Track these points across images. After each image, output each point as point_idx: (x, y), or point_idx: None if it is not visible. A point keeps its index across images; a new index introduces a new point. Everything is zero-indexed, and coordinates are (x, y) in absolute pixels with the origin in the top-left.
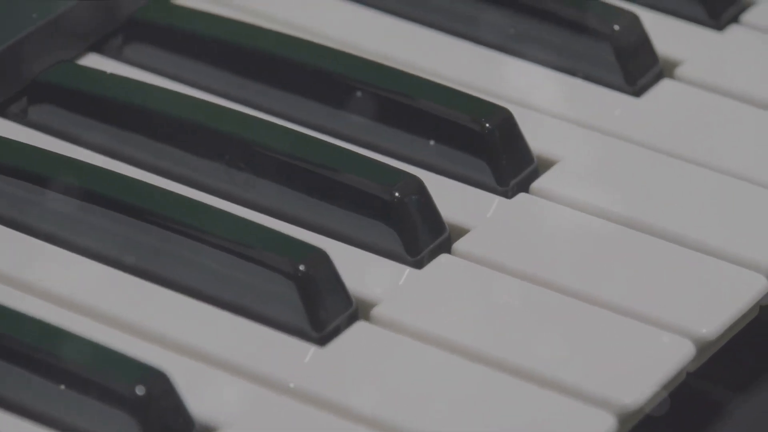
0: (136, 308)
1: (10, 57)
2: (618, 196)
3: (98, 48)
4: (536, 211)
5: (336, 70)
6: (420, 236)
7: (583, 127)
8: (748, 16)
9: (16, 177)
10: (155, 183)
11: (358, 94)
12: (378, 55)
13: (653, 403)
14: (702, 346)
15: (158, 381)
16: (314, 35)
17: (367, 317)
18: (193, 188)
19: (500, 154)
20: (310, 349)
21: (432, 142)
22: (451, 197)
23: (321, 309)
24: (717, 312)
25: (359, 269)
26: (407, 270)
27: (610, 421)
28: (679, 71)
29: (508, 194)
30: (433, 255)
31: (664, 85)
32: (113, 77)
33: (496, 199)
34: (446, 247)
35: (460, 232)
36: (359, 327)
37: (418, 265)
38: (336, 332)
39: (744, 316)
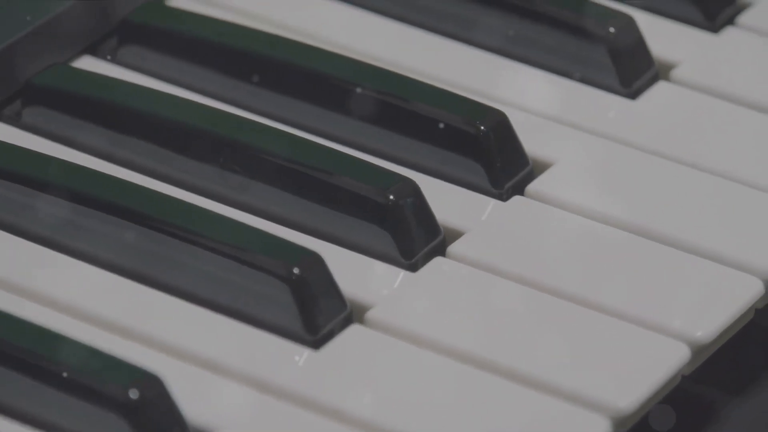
0: (130, 311)
1: (4, 59)
2: (613, 198)
3: (92, 50)
4: (531, 214)
5: (330, 72)
6: (415, 239)
7: (578, 129)
8: (743, 18)
9: (10, 180)
10: (150, 186)
11: (353, 96)
12: (373, 58)
13: (648, 407)
14: (697, 350)
15: (152, 384)
16: (309, 37)
17: (361, 320)
18: (187, 191)
19: (495, 157)
20: (305, 353)
21: (427, 145)
22: (446, 200)
23: (315, 312)
24: (712, 315)
25: (354, 272)
26: (402, 273)
27: (604, 425)
28: (675, 73)
29: (503, 197)
30: (428, 258)
31: (660, 88)
32: (108, 79)
33: (491, 202)
34: (441, 250)
35: (455, 235)
36: (354, 330)
37: (413, 268)
38: (330, 335)
39: (739, 320)
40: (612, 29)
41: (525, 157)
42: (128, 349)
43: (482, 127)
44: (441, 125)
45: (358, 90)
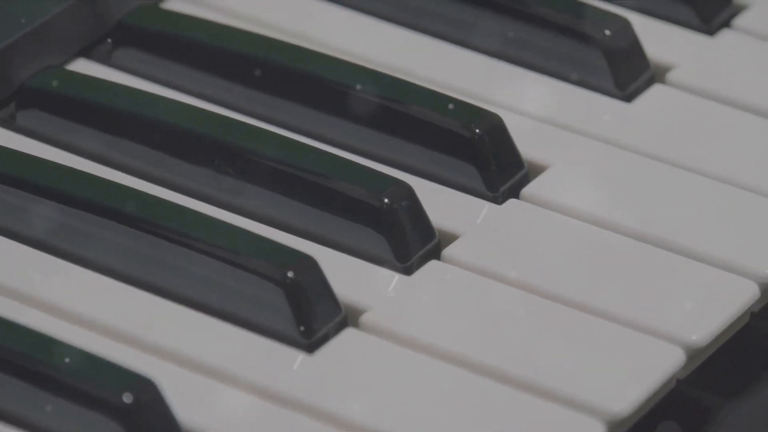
0: (124, 315)
1: None
2: (609, 202)
3: (87, 53)
4: (527, 217)
5: (325, 75)
6: (409, 242)
7: (573, 132)
8: (739, 21)
9: (4, 183)
10: (143, 188)
11: (348, 99)
12: (368, 60)
13: (643, 411)
14: (692, 353)
15: (146, 389)
16: (304, 40)
17: (356, 324)
18: (181, 194)
19: (490, 160)
20: (299, 357)
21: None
22: (441, 203)
23: (310, 316)
24: (707, 319)
25: (348, 276)
26: (396, 276)
27: (599, 429)
28: (671, 76)
29: (498, 200)
30: (423, 261)
31: (656, 90)
32: (103, 82)
33: (486, 205)
34: (436, 254)
35: (450, 238)
36: (348, 334)
37: (408, 271)
38: (325, 339)
39: (735, 323)
40: (607, 31)
41: (520, 160)
42: (122, 353)
43: (477, 130)
44: (436, 128)
45: (353, 93)
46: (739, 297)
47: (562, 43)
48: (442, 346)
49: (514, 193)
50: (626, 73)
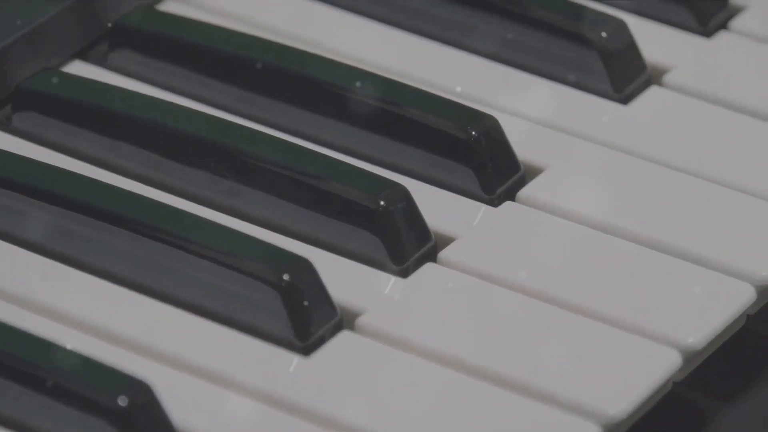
0: (119, 318)
1: None
2: (605, 204)
3: (83, 55)
4: (523, 220)
5: (321, 77)
6: (405, 245)
7: (570, 134)
8: (736, 23)
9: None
10: (139, 191)
11: (344, 101)
12: (366, 63)
13: (639, 413)
14: (688, 356)
15: (141, 391)
16: (301, 42)
17: (351, 327)
18: (177, 196)
19: (486, 162)
20: (295, 359)
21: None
22: (437, 206)
23: (306, 318)
24: (704, 322)
25: (344, 278)
26: (392, 279)
27: None
28: (668, 78)
29: (495, 202)
30: (419, 264)
31: (652, 93)
32: (99, 84)
33: (483, 208)
34: (432, 256)
35: (446, 240)
36: (344, 337)
37: (404, 274)
38: (321, 342)
39: (731, 326)
40: (604, 33)
41: (516, 162)
42: (117, 355)
43: (473, 132)
44: (432, 130)
45: (349, 95)
46: (736, 299)
47: (558, 45)
48: (438, 348)
49: (511, 195)
50: (623, 75)
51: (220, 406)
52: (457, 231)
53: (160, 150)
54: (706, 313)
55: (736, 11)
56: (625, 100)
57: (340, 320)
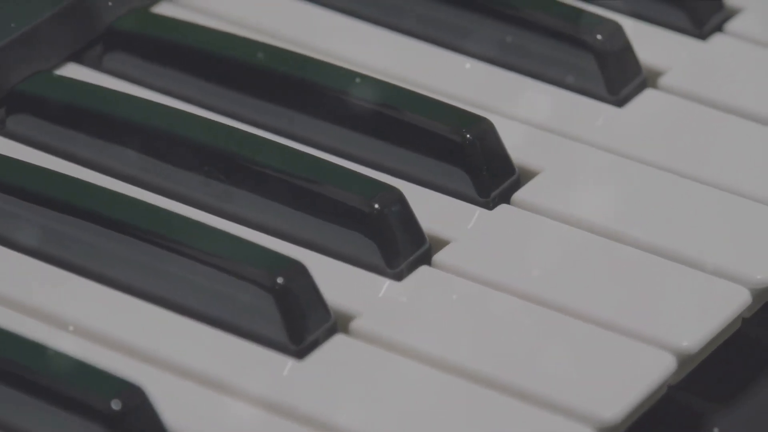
0: (112, 321)
1: None
2: (600, 207)
3: (78, 58)
4: (518, 223)
5: (316, 80)
6: (400, 248)
7: (565, 137)
8: (732, 25)
9: None
10: (133, 194)
11: (339, 104)
12: (361, 66)
13: (633, 417)
14: (683, 360)
15: (134, 395)
16: (296, 45)
17: (345, 330)
18: (171, 199)
19: (481, 165)
20: (289, 363)
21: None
22: (432, 208)
23: (299, 322)
24: (698, 325)
25: (338, 281)
26: (387, 282)
27: None
28: (663, 81)
29: (489, 205)
30: (413, 267)
31: (648, 95)
32: (93, 87)
33: (477, 211)
34: (426, 259)
35: (441, 243)
36: (338, 340)
37: (398, 277)
38: (314, 345)
39: (726, 329)
40: (599, 36)
41: (511, 165)
42: (111, 359)
43: (468, 135)
44: (426, 133)
45: (344, 98)
46: (731, 303)
47: (553, 47)
48: (432, 352)
49: (506, 198)
50: (618, 77)
51: (213, 410)
52: (451, 234)
53: (154, 153)
54: (701, 316)
55: (731, 13)
56: (620, 102)
57: (334, 323)
